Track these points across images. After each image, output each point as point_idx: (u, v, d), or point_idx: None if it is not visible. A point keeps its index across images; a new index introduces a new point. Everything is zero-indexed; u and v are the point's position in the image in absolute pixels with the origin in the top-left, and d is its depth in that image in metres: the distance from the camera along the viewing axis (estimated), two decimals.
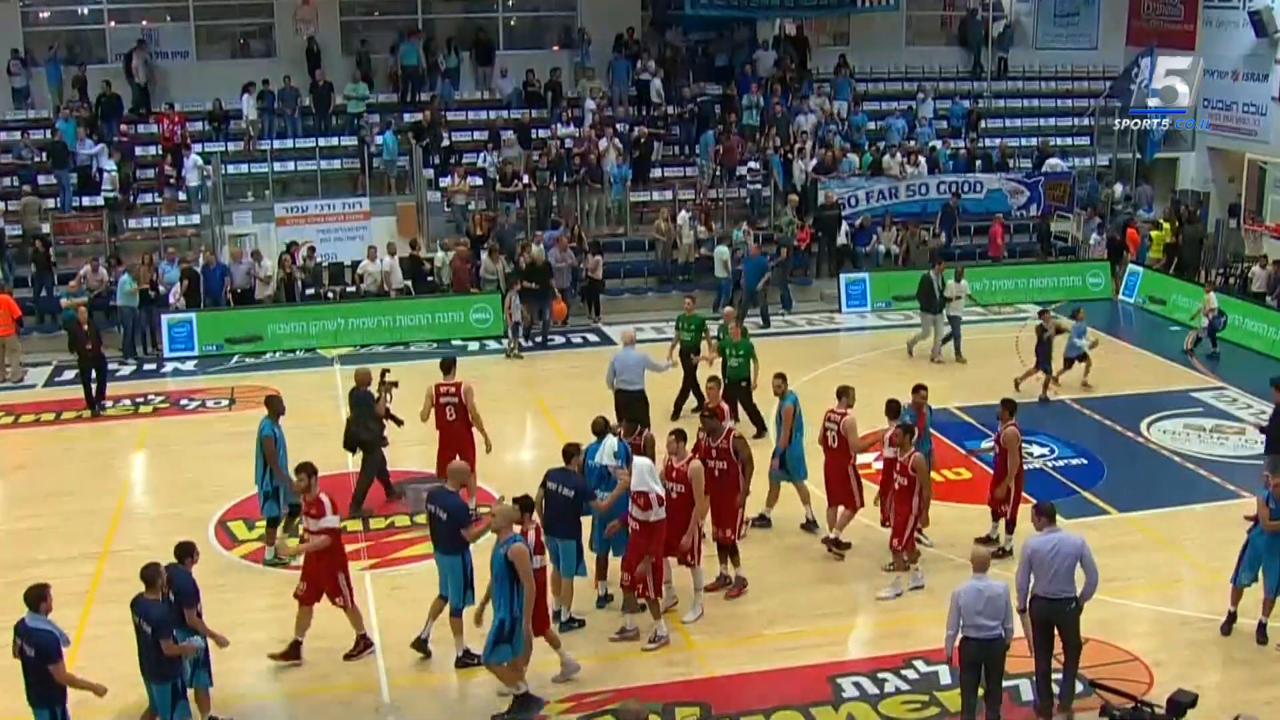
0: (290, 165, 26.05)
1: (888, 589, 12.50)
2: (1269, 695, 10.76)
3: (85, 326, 18.56)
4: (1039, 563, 10.17)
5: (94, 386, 18.62)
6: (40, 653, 8.97)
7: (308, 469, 11.07)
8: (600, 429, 12.35)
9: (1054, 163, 27.98)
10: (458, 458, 12.88)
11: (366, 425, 14.39)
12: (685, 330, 17.63)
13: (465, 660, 11.12)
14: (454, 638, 11.17)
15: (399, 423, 14.61)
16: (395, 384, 14.60)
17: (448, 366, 14.60)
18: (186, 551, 10.04)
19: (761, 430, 16.19)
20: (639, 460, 11.41)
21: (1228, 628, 11.68)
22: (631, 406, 15.18)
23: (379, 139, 25.74)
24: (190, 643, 9.62)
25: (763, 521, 14.00)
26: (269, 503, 13.10)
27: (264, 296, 22.69)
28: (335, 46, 27.92)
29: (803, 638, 11.72)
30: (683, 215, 25.09)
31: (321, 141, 26.52)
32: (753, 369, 16.65)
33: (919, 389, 13.86)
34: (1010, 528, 13.20)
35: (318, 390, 19.61)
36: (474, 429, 14.22)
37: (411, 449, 15.44)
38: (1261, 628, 11.56)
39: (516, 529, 10.39)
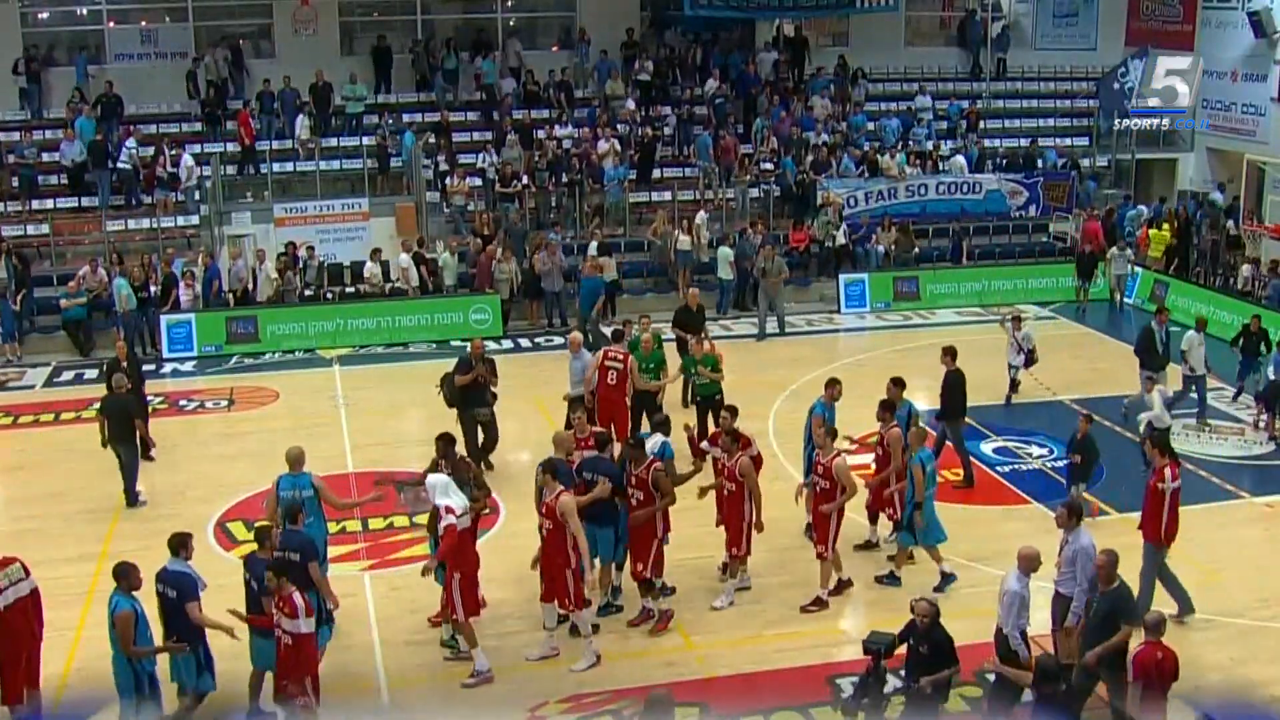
0: (290, 166, 26.03)
1: (721, 598, 12.28)
2: (1271, 695, 10.77)
3: (125, 362, 16.48)
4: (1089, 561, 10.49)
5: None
6: (180, 594, 9.80)
7: None
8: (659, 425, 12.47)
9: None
10: (612, 426, 14.22)
11: (482, 397, 15.38)
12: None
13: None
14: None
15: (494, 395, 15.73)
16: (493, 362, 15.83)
17: (619, 336, 16.01)
18: (291, 517, 10.76)
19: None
20: (434, 476, 11.21)
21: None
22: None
23: (400, 138, 25.78)
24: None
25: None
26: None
27: (263, 297, 22.68)
28: (334, 46, 27.97)
29: (802, 638, 11.72)
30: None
31: (320, 142, 26.49)
32: (663, 378, 16.25)
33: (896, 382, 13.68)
34: (899, 527, 13.12)
35: (317, 391, 19.63)
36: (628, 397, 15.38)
37: (412, 449, 15.43)
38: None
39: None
